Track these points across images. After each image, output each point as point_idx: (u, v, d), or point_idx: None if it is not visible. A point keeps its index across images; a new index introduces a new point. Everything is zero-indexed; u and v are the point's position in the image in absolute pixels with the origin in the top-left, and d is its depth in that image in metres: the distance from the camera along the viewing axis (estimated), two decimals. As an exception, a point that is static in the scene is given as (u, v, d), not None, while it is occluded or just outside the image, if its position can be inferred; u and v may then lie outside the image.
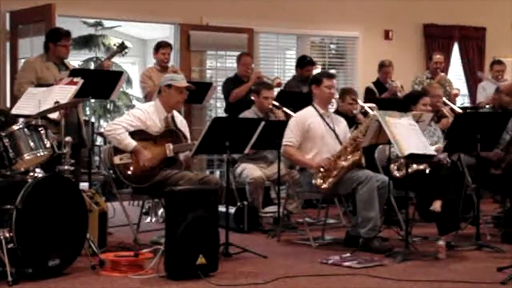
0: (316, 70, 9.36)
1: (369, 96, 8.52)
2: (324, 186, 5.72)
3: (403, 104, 6.47)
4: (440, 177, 5.85)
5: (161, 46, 7.86)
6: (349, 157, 5.71)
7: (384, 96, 8.51)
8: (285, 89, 8.42)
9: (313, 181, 5.75)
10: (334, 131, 6.02)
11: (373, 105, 6.69)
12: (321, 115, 6.06)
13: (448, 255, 5.37)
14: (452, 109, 7.36)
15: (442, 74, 9.14)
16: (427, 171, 5.90)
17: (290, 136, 5.99)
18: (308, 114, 6.08)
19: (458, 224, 5.90)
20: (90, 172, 6.44)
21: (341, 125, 6.19)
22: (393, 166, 5.86)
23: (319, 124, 6.01)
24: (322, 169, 5.71)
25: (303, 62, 8.64)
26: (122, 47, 7.10)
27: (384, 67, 8.87)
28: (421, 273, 4.87)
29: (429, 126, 6.24)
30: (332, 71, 10.39)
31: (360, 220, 5.65)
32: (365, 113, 6.97)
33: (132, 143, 5.64)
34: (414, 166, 5.86)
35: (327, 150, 5.90)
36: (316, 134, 5.98)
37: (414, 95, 6.53)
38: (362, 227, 5.63)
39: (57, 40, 6.46)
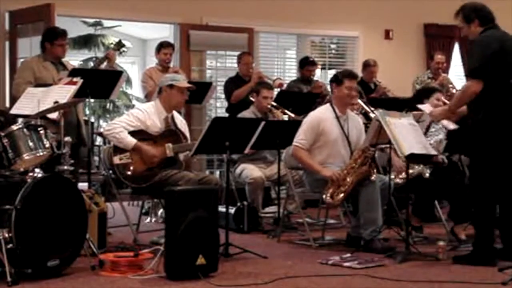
0: (318, 70, 9.38)
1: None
2: (334, 202, 5.66)
3: (415, 97, 6.50)
4: (442, 180, 5.86)
5: (163, 46, 7.85)
6: (357, 170, 5.60)
7: (372, 96, 8.49)
8: (286, 89, 8.42)
9: (323, 196, 5.66)
10: (347, 137, 5.92)
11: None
12: (337, 117, 5.94)
13: (448, 256, 5.35)
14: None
15: (444, 75, 9.12)
16: (427, 175, 5.88)
17: (302, 138, 5.86)
18: (323, 116, 5.94)
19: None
20: (90, 172, 6.42)
21: (356, 127, 6.05)
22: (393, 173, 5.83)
23: (333, 128, 5.89)
24: (331, 182, 5.62)
25: (303, 62, 8.64)
26: (119, 45, 7.07)
27: (369, 66, 8.86)
28: (421, 274, 4.86)
29: (436, 125, 6.24)
30: (332, 71, 10.40)
31: (362, 222, 5.61)
32: (365, 113, 6.95)
33: (132, 141, 5.64)
34: (416, 167, 5.85)
35: (336, 155, 5.85)
36: (328, 138, 5.87)
37: (428, 89, 6.59)
38: (364, 228, 5.59)
39: (53, 39, 6.45)
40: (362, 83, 8.74)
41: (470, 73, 5.16)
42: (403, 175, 5.80)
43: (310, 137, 5.86)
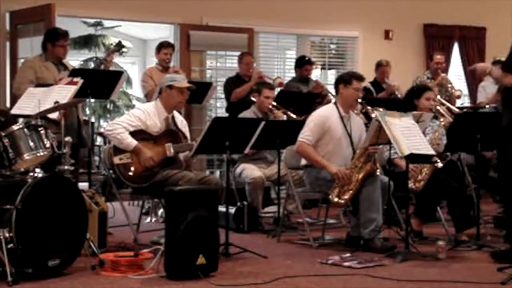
0: (316, 70, 9.38)
1: (367, 96, 8.52)
2: (341, 202, 5.67)
3: (406, 99, 6.48)
4: (441, 180, 5.86)
5: (163, 46, 7.86)
6: (362, 168, 5.60)
7: (382, 96, 8.51)
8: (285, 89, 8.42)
9: (330, 198, 5.68)
10: (350, 136, 5.94)
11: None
12: (341, 117, 5.96)
13: (448, 255, 5.36)
14: (449, 109, 7.35)
15: (443, 74, 9.12)
16: (440, 164, 5.83)
17: (308, 134, 5.88)
18: (329, 114, 5.96)
19: (473, 221, 5.90)
20: (90, 172, 6.43)
21: (357, 127, 6.07)
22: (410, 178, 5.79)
23: (338, 127, 5.91)
24: (337, 180, 5.63)
25: (301, 62, 8.65)
26: (119, 46, 7.08)
27: (381, 66, 8.88)
28: (421, 273, 4.87)
29: (432, 123, 6.25)
30: (332, 71, 10.41)
31: (362, 221, 5.61)
32: (366, 113, 6.96)
33: (133, 142, 5.65)
34: (424, 171, 5.86)
35: (338, 154, 5.86)
36: (333, 136, 5.88)
37: (418, 89, 6.54)
38: (364, 227, 5.59)
39: (55, 40, 6.47)
40: (375, 83, 8.75)
41: (504, 66, 5.21)
42: (419, 178, 5.83)
43: (316, 133, 5.87)
